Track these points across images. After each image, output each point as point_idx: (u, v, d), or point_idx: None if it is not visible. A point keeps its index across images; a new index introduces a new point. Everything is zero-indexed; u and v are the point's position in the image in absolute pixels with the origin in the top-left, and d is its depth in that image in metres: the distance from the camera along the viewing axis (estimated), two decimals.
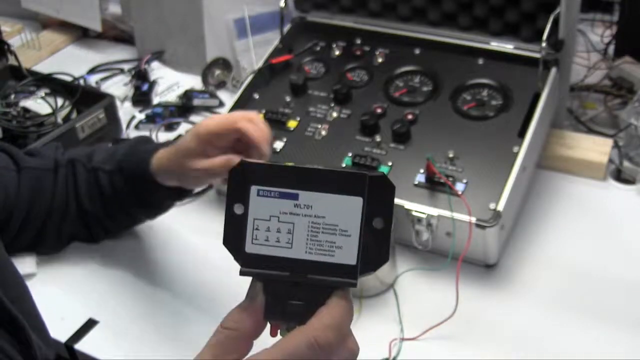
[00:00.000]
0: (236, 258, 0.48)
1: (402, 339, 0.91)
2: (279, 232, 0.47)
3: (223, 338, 0.48)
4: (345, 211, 0.47)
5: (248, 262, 0.47)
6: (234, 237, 0.48)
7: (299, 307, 0.47)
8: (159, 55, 1.57)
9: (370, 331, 0.92)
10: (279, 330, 0.49)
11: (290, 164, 0.48)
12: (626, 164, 1.17)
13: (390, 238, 0.49)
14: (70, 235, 1.06)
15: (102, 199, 1.01)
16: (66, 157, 1.04)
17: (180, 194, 1.00)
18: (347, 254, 0.47)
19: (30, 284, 0.87)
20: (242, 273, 0.48)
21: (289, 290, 0.47)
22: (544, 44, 1.07)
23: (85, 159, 1.02)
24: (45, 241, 1.04)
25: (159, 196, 0.99)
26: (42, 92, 1.35)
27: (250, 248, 0.48)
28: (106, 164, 1.00)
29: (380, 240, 0.48)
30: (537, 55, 1.08)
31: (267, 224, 0.47)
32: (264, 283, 0.48)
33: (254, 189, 0.47)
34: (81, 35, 1.75)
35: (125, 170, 0.98)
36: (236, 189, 0.47)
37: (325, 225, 0.47)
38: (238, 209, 0.48)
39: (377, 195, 0.47)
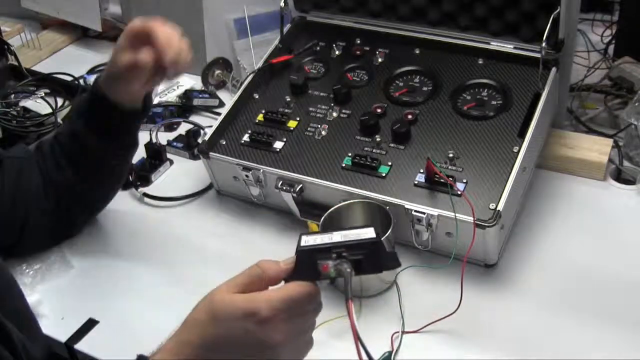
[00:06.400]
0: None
1: (404, 332, 0.91)
2: (322, 239, 0.69)
3: (253, 272, 0.69)
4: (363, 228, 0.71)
5: (302, 247, 0.69)
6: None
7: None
8: None
9: (372, 328, 0.92)
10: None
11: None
12: (626, 164, 1.17)
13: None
14: (51, 231, 1.06)
15: (67, 157, 1.02)
16: (34, 145, 1.08)
17: (135, 115, 1.03)
18: (368, 234, 0.69)
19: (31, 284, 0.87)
20: (297, 252, 0.69)
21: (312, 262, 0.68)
22: (544, 44, 1.07)
23: (50, 137, 1.07)
24: (28, 239, 1.02)
25: (116, 121, 1.01)
26: (42, 92, 1.36)
27: (302, 243, 0.70)
28: (65, 124, 1.07)
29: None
30: (537, 55, 1.08)
31: (313, 238, 0.70)
32: (298, 255, 0.69)
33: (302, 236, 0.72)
34: (81, 35, 1.75)
35: (81, 107, 1.03)
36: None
37: (352, 232, 0.69)
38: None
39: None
